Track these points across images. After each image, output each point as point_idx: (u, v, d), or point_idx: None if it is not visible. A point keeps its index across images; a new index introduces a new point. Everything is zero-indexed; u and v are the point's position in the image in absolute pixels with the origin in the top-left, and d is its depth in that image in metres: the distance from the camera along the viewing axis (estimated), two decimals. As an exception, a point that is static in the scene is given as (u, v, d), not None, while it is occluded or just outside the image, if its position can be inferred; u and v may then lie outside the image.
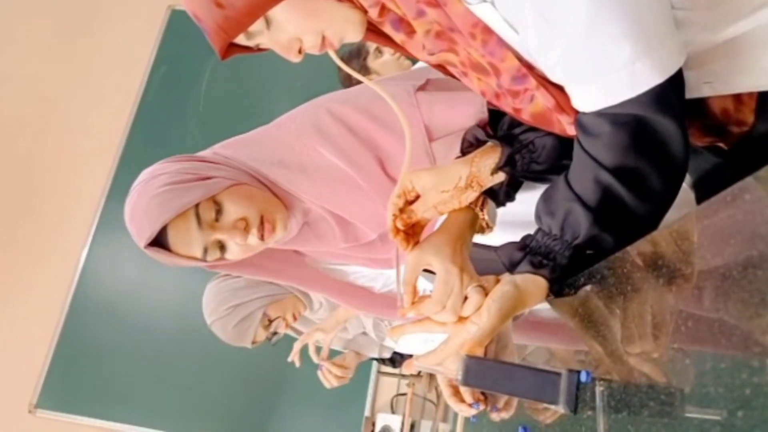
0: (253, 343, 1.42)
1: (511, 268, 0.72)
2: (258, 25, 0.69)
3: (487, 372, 0.66)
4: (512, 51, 0.66)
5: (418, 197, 0.80)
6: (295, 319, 1.46)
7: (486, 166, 0.80)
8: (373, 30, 0.77)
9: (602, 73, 0.59)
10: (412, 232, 0.80)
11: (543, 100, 0.68)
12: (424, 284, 0.77)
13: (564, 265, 0.68)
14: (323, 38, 0.72)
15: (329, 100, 1.00)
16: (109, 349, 2.76)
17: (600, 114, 0.63)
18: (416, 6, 0.68)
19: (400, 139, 0.92)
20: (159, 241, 0.88)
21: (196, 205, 0.88)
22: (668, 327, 0.46)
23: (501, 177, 0.80)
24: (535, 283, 0.69)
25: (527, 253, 0.71)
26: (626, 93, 0.60)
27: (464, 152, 0.86)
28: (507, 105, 0.75)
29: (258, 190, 0.94)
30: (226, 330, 1.39)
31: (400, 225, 0.79)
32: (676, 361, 0.43)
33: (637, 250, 0.55)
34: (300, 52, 0.73)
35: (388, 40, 0.79)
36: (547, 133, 0.77)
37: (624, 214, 0.65)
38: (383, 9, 0.72)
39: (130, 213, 0.91)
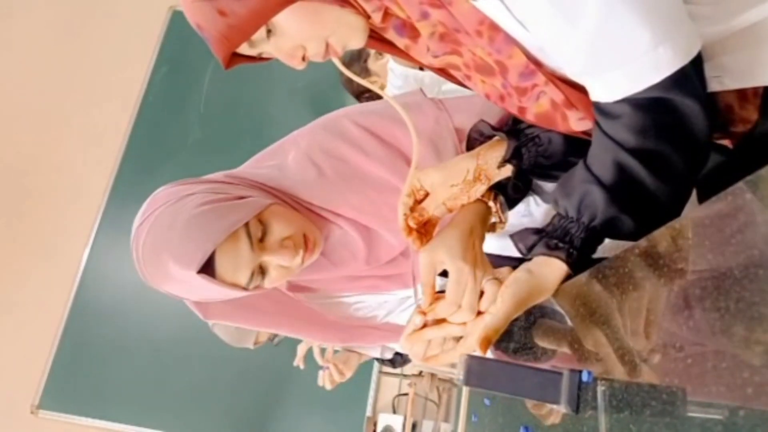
0: (256, 343, 1.42)
1: (527, 252, 0.70)
2: (261, 33, 0.68)
3: (489, 372, 0.66)
4: (520, 47, 0.65)
5: (427, 195, 0.80)
6: None
7: (493, 159, 0.79)
8: (375, 37, 0.77)
9: (624, 60, 0.59)
10: (424, 231, 0.80)
11: (552, 95, 0.68)
12: (440, 284, 0.76)
13: (581, 248, 0.65)
14: (327, 45, 0.71)
15: (348, 112, 0.99)
16: (110, 349, 2.76)
17: (621, 100, 0.62)
18: (420, 8, 0.67)
19: (427, 143, 0.91)
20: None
21: (246, 225, 0.82)
22: (661, 326, 0.46)
23: (508, 171, 0.80)
24: (550, 268, 0.67)
25: (543, 236, 0.69)
26: (651, 78, 0.59)
27: (470, 148, 0.86)
28: (512, 106, 0.74)
29: (289, 209, 0.90)
30: (227, 331, 1.38)
31: (412, 223, 0.78)
32: (678, 360, 0.43)
33: (638, 249, 0.55)
34: (303, 59, 0.72)
35: (390, 46, 0.78)
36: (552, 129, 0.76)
37: (643, 195, 0.62)
38: (386, 14, 0.71)
39: (159, 239, 0.80)
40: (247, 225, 0.82)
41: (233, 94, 3.08)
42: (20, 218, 3.00)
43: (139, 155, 3.00)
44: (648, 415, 0.45)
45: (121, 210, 2.88)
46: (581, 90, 0.66)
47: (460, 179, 0.78)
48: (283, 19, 0.67)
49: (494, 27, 0.64)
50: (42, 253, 2.94)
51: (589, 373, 0.57)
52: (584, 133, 0.72)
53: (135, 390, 2.72)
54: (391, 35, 0.75)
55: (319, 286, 1.05)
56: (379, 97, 0.86)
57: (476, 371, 0.66)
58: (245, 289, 0.85)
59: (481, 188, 0.79)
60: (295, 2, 0.66)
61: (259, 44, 0.70)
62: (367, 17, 0.71)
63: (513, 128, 0.81)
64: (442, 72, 0.80)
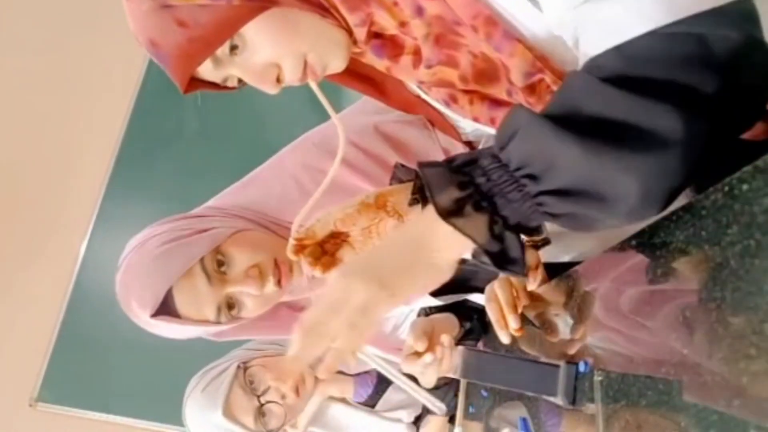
0: None
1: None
2: (226, 49, 0.59)
3: (486, 365, 0.66)
4: (524, 43, 0.58)
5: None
6: (297, 389, 1.15)
7: (403, 196, 0.73)
8: (352, 75, 0.71)
9: None
10: (321, 254, 0.72)
11: None
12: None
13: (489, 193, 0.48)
14: (305, 64, 0.63)
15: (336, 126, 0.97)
16: (109, 342, 2.76)
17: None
18: (414, 2, 0.61)
19: (416, 158, 0.89)
20: (163, 309, 0.79)
21: (201, 260, 0.79)
22: (658, 317, 0.46)
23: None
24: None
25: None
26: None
27: None
28: None
29: (263, 234, 0.87)
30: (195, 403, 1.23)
31: (293, 249, 0.70)
32: (674, 351, 0.43)
33: (635, 241, 0.55)
34: (278, 81, 0.64)
35: (366, 85, 0.73)
36: None
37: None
38: (371, 30, 0.64)
39: (126, 284, 0.81)
40: (203, 260, 0.79)
41: (231, 87, 3.07)
42: (17, 211, 3.00)
43: (137, 148, 2.98)
44: (645, 405, 0.45)
45: (118, 202, 2.86)
46: None
47: (355, 203, 0.72)
48: (253, 30, 0.59)
49: (490, 21, 0.57)
50: (40, 246, 2.94)
51: (586, 364, 0.58)
52: None
53: (134, 382, 2.72)
54: (369, 59, 0.68)
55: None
56: None
57: (474, 364, 0.66)
58: (218, 323, 0.82)
59: (391, 222, 0.73)
60: (269, 9, 0.58)
61: (226, 63, 0.62)
62: (350, 32, 0.64)
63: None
64: (420, 108, 0.74)
